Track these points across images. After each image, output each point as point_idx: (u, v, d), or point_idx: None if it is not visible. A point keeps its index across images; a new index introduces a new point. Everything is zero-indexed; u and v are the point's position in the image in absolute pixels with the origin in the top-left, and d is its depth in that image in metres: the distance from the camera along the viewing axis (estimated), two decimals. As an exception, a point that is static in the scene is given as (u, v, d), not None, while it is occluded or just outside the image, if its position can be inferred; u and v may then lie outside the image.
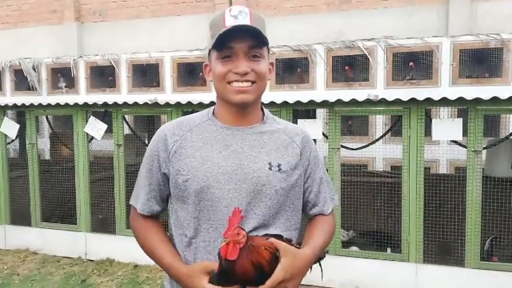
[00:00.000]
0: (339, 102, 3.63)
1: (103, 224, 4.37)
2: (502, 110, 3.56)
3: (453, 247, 3.55)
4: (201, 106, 4.03)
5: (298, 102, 3.74)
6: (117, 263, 4.14)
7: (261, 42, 1.15)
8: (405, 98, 3.46)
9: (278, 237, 1.12)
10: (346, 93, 5.15)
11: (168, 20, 7.16)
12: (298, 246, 1.17)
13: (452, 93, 3.67)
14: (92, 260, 4.28)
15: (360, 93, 4.88)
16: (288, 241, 1.14)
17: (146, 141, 5.40)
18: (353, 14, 6.42)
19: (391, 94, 4.07)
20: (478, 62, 5.32)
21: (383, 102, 3.60)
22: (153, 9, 7.17)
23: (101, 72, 6.64)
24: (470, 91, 4.27)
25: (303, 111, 4.12)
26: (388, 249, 3.77)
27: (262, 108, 1.29)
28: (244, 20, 1.12)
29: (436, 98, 3.41)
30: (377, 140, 4.46)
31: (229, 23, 1.12)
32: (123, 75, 6.41)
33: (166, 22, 7.17)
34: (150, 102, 4.03)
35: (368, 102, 3.63)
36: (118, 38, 7.39)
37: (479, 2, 5.88)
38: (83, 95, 6.60)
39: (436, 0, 6.10)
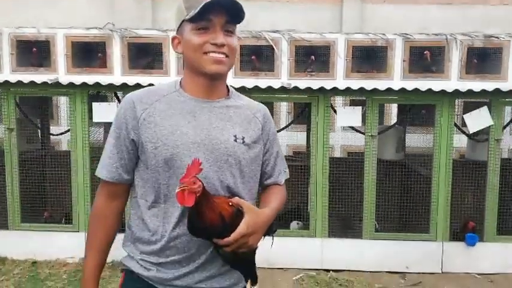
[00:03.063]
0: (244, 89, 3.74)
1: (-8, 218, 3.85)
2: (390, 100, 4.12)
3: (353, 222, 3.98)
4: (99, 87, 3.80)
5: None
6: (11, 261, 3.69)
7: (237, 18, 1.20)
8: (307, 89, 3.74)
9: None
10: (252, 82, 5.35)
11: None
12: None
13: (346, 85, 4.03)
14: (-22, 260, 3.75)
15: (265, 82, 5.12)
16: None
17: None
18: (257, 5, 6.60)
19: (295, 84, 4.32)
20: (367, 58, 5.96)
21: (293, 90, 3.84)
22: (41, -20, 6.44)
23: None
24: (361, 84, 4.68)
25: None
26: (294, 223, 4.08)
27: (226, 84, 1.34)
28: None
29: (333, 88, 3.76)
30: (284, 128, 4.74)
31: None
32: (6, 52, 5.64)
33: (58, -4, 6.52)
34: (50, 82, 3.65)
35: (272, 89, 3.82)
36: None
37: (367, 4, 6.54)
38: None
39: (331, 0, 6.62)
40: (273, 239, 1.38)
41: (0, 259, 3.71)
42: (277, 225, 1.41)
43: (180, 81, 1.29)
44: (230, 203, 1.17)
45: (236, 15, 1.19)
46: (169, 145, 1.18)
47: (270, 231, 1.34)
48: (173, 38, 1.26)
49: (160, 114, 1.21)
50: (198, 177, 1.11)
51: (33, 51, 5.69)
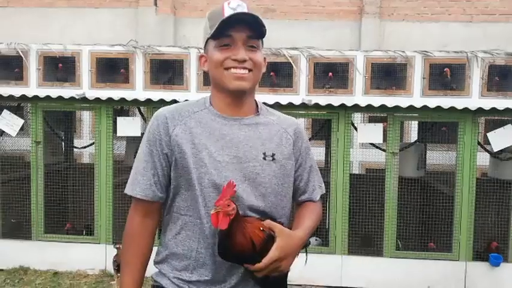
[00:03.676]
0: (265, 105, 3.77)
1: (16, 228, 3.94)
2: (411, 117, 4.10)
3: (373, 239, 3.92)
4: (124, 102, 3.89)
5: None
6: (33, 271, 3.76)
7: (259, 33, 1.20)
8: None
9: (272, 219, 1.21)
10: (272, 98, 5.39)
11: (85, 11, 6.72)
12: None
13: (365, 102, 4.03)
14: (1, 270, 3.82)
15: (284, 98, 5.16)
16: (281, 224, 1.22)
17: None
18: (277, 23, 6.71)
19: (314, 101, 4.34)
20: (386, 74, 5.95)
21: (313, 106, 3.86)
22: (68, -1, 6.67)
23: (4, 63, 5.95)
24: (381, 100, 4.68)
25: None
26: (312, 239, 4.03)
27: (255, 100, 1.32)
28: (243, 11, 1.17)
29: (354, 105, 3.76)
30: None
31: (229, 14, 1.15)
32: (33, 68, 5.84)
33: (83, 14, 6.73)
34: (77, 97, 3.76)
35: (293, 105, 3.84)
36: (25, 26, 6.72)
37: (386, 21, 6.58)
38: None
39: (350, 17, 6.68)
40: (306, 255, 1.37)
41: (23, 269, 3.78)
42: (308, 242, 1.39)
43: (210, 99, 1.29)
44: (261, 228, 1.14)
45: (257, 30, 1.19)
46: (198, 163, 1.17)
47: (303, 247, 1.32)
48: (200, 57, 1.28)
49: (191, 131, 1.20)
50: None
51: (59, 67, 5.88)
